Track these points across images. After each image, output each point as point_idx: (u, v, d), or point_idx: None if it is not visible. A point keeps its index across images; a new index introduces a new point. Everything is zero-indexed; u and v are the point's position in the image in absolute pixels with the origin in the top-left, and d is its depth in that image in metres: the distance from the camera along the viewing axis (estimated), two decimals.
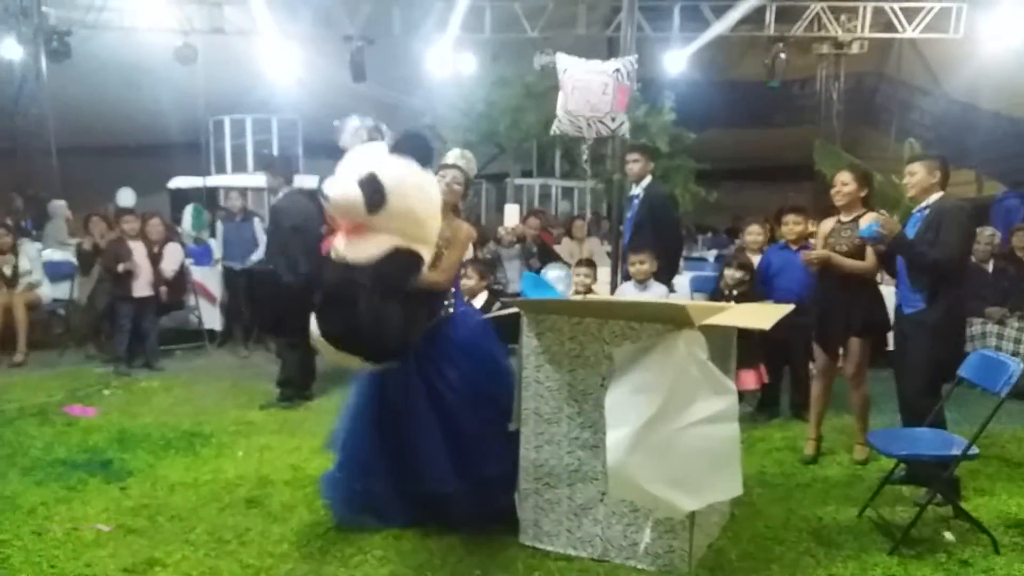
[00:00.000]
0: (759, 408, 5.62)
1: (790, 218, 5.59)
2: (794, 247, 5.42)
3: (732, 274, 5.49)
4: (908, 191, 4.25)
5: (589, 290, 5.53)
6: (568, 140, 9.32)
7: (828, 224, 4.68)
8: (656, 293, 5.43)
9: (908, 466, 4.11)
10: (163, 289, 7.28)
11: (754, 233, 6.08)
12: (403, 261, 3.32)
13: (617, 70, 5.20)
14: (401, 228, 3.31)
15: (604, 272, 6.31)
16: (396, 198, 3.23)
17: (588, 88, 5.07)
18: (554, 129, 5.24)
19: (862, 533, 3.71)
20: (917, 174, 4.14)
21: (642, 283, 5.47)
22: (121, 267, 6.88)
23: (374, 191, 3.18)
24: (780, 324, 4.93)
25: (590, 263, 5.67)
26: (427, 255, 3.47)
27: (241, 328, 8.15)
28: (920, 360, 4.08)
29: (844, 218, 4.55)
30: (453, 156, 4.09)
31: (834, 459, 4.76)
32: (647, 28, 11.13)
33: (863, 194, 4.51)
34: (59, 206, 10.07)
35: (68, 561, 3.37)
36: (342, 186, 3.21)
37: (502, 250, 7.86)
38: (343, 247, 3.32)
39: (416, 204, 3.34)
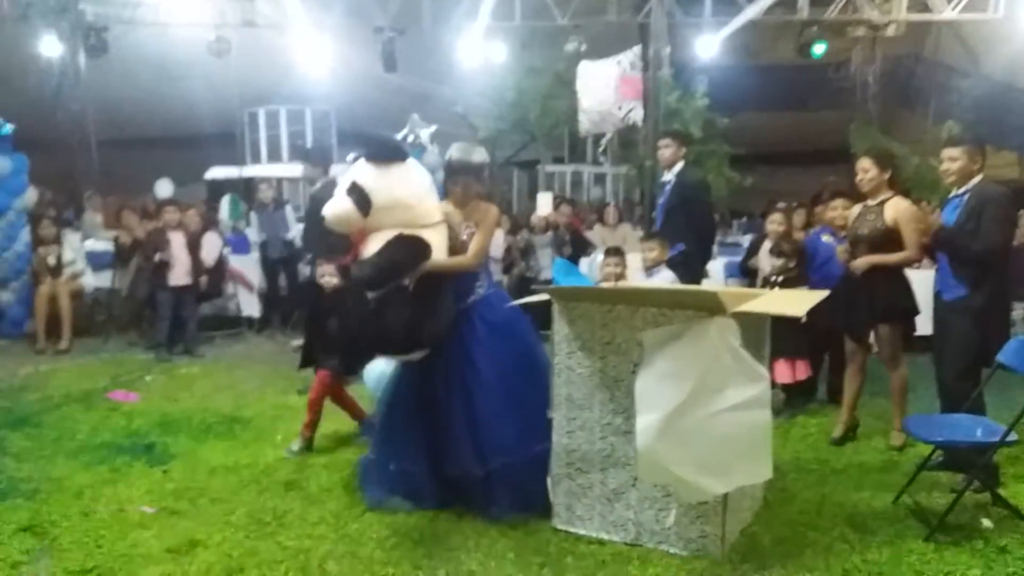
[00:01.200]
0: (795, 397, 5.46)
1: (838, 203, 5.43)
2: (842, 233, 5.22)
3: (773, 262, 5.41)
4: (947, 176, 4.15)
5: (621, 278, 5.49)
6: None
7: (856, 209, 4.68)
8: (663, 278, 5.38)
9: (945, 452, 4.06)
10: (202, 279, 7.41)
11: (775, 223, 5.85)
12: (408, 245, 3.48)
13: (619, 62, 5.28)
14: (398, 218, 3.52)
15: (637, 259, 6.29)
16: (380, 194, 3.46)
17: (595, 85, 5.18)
18: (581, 131, 5.32)
19: (897, 519, 3.69)
20: (959, 160, 4.05)
21: (650, 270, 5.42)
22: (157, 257, 7.03)
23: (359, 196, 3.43)
24: (821, 310, 5.00)
25: (618, 251, 5.62)
26: (433, 236, 3.58)
27: (279, 314, 8.29)
28: (961, 346, 4.03)
29: (871, 202, 4.53)
30: (451, 150, 4.13)
31: (869, 444, 4.73)
32: (678, 13, 11.04)
33: (886, 176, 4.47)
34: (92, 198, 10.26)
35: (115, 541, 3.48)
36: (332, 203, 3.49)
37: (535, 238, 7.89)
38: (364, 249, 3.55)
39: (400, 192, 3.53)
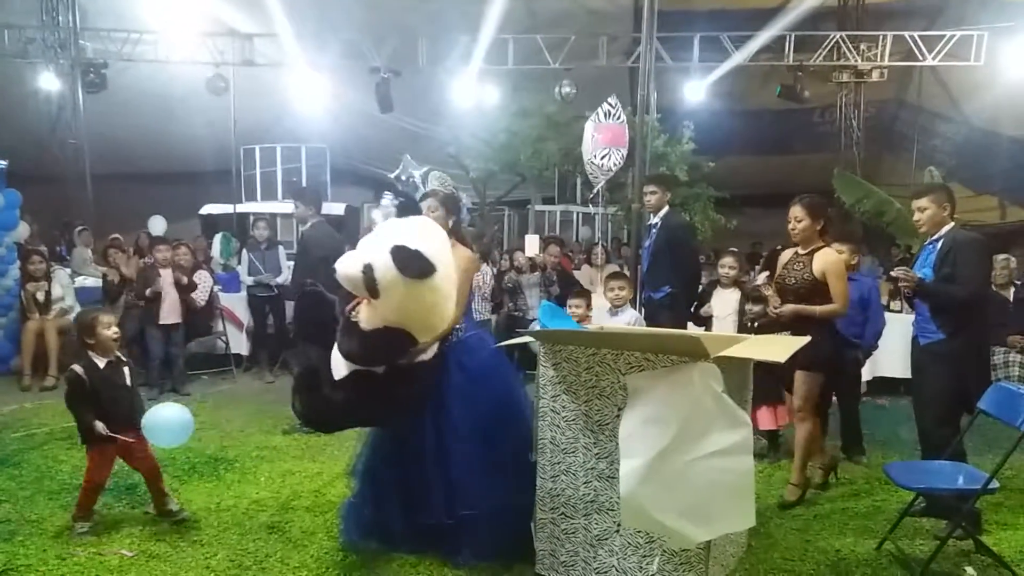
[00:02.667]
0: (778, 443, 5.38)
1: (845, 247, 5.18)
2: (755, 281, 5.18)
3: (750, 308, 5.46)
4: (920, 226, 4.24)
5: (585, 319, 5.48)
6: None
7: (787, 255, 4.63)
8: (627, 318, 5.45)
9: (927, 498, 4.08)
10: (195, 296, 7.44)
11: (726, 266, 5.82)
12: (386, 341, 3.39)
13: (596, 113, 5.49)
14: (395, 319, 3.39)
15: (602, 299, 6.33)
16: (388, 298, 3.32)
17: (584, 139, 5.36)
18: (595, 187, 5.49)
19: (881, 567, 3.69)
20: (928, 209, 4.15)
21: (616, 308, 5.50)
22: (149, 291, 7.05)
23: (370, 284, 3.30)
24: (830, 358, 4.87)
25: (582, 293, 5.68)
26: (425, 337, 3.49)
27: (267, 353, 8.27)
28: (938, 391, 4.07)
29: (801, 251, 4.48)
30: (431, 178, 4.20)
31: (852, 488, 4.74)
32: (667, 58, 11.26)
33: (818, 226, 4.41)
34: (83, 233, 10.29)
35: None
36: (349, 267, 3.35)
37: (522, 278, 7.95)
38: (362, 311, 3.47)
39: (408, 309, 3.38)
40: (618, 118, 6.27)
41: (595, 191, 6.04)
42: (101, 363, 4.09)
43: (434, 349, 3.58)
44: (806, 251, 4.44)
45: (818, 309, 4.31)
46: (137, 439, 4.08)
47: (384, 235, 3.43)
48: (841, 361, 4.64)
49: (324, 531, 4.03)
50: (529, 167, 11.44)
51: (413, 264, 3.26)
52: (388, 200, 4.54)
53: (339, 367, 3.46)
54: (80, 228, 10.33)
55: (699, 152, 10.37)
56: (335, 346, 3.50)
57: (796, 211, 4.43)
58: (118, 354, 4.19)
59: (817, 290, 4.33)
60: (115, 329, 4.15)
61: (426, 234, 3.42)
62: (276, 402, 6.83)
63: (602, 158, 5.34)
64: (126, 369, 4.19)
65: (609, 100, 5.73)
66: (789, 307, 4.34)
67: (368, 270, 3.27)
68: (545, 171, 11.83)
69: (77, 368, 4.06)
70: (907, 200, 8.42)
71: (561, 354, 3.51)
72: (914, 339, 4.27)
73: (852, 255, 5.21)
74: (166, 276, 7.25)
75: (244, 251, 8.88)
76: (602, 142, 5.22)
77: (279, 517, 4.23)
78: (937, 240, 4.15)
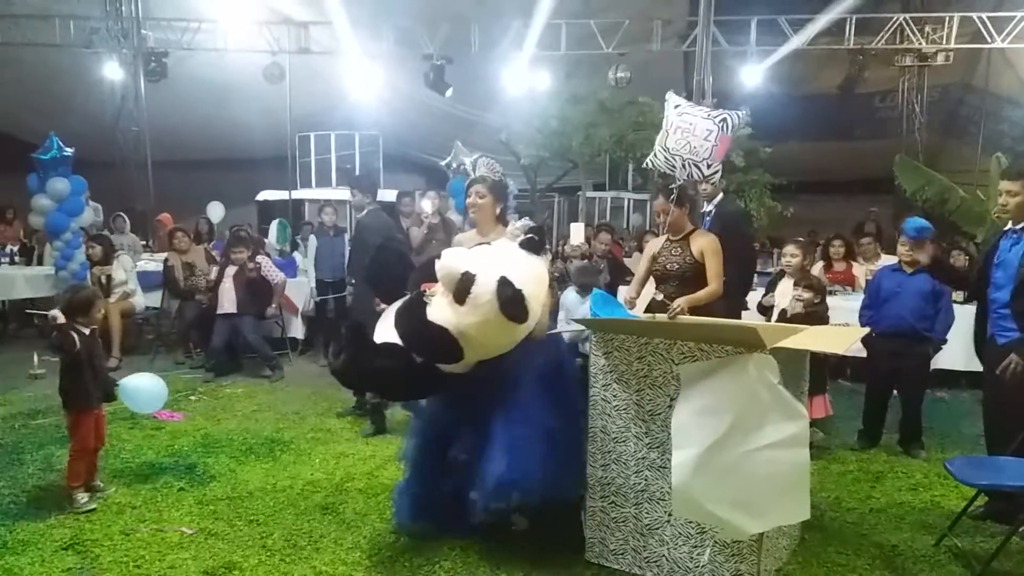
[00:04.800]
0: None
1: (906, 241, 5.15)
2: (909, 270, 5.12)
3: (800, 295, 5.30)
4: (1003, 212, 3.98)
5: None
6: (642, 156, 9.32)
7: (657, 243, 4.75)
8: None
9: (990, 498, 3.97)
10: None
11: (788, 255, 5.68)
12: (439, 342, 3.38)
13: (724, 120, 5.21)
14: (459, 328, 3.36)
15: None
16: (467, 311, 3.32)
17: (691, 131, 5.08)
18: (647, 163, 5.28)
19: (939, 563, 3.61)
20: (1019, 195, 3.84)
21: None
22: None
23: (461, 292, 3.31)
24: (893, 352, 4.98)
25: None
26: (472, 358, 3.48)
27: (323, 337, 8.42)
28: (1015, 391, 3.83)
29: (673, 237, 4.64)
30: (479, 164, 4.20)
31: (909, 483, 4.63)
32: (723, 42, 11.05)
33: (686, 212, 4.63)
34: (117, 219, 10.46)
35: (153, 562, 3.56)
36: (453, 265, 3.37)
37: (569, 266, 7.92)
38: (434, 298, 3.47)
39: (478, 333, 3.37)
40: (734, 131, 6.01)
41: (679, 182, 5.82)
42: (87, 331, 4.28)
43: (466, 369, 3.55)
44: (679, 237, 4.62)
45: (702, 294, 4.42)
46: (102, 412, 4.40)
47: (498, 257, 3.48)
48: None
49: (376, 513, 4.09)
50: (580, 153, 11.38)
51: (513, 307, 3.29)
52: (522, 224, 4.54)
53: (385, 331, 3.48)
54: (115, 215, 10.55)
55: (755, 138, 10.18)
56: (390, 310, 3.54)
57: (664, 204, 4.59)
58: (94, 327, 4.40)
59: (700, 271, 4.51)
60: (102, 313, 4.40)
61: (532, 278, 3.44)
62: (331, 385, 6.89)
63: (712, 171, 5.13)
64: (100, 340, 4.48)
65: (741, 113, 5.45)
66: (680, 304, 4.29)
67: (467, 278, 3.31)
68: (597, 157, 11.76)
69: (75, 335, 4.21)
70: (972, 188, 8.17)
71: (613, 343, 3.50)
72: (990, 337, 4.06)
73: (921, 251, 5.10)
74: (229, 271, 7.43)
75: (312, 236, 9.03)
76: (718, 155, 5.01)
77: (333, 498, 4.31)
78: (1022, 231, 3.87)
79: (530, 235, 3.62)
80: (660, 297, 4.58)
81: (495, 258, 3.47)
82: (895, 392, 5.37)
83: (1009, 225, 3.99)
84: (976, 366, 4.43)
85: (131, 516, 4.06)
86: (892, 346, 5.09)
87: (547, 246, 3.71)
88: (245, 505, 4.22)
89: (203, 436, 5.42)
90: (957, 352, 5.21)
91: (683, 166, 5.24)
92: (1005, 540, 3.48)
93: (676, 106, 5.19)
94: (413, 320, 3.43)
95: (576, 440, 3.62)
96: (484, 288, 3.29)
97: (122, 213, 10.60)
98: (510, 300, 3.27)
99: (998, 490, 3.71)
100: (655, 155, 4.98)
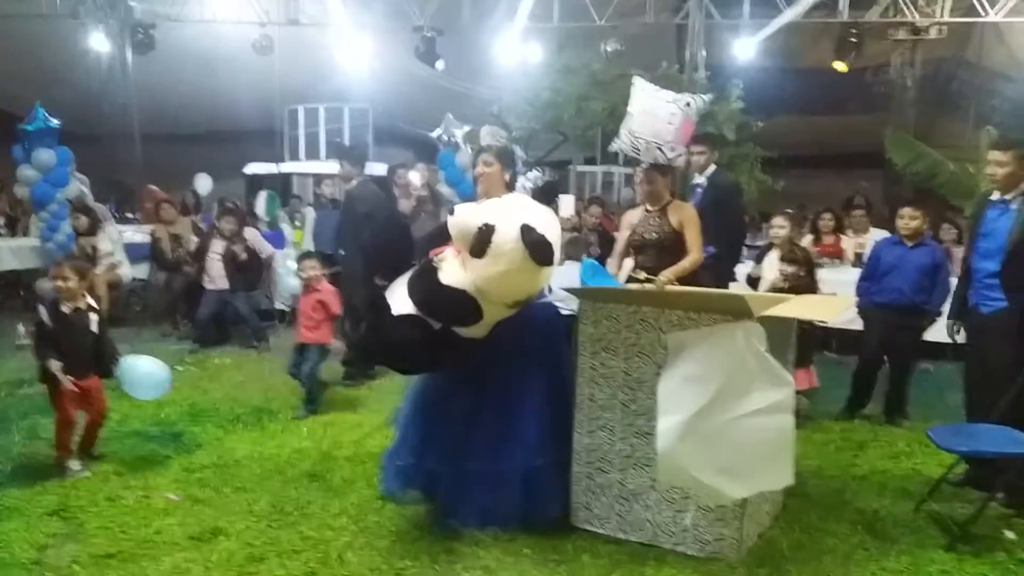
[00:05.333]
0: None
1: (906, 211, 5.28)
2: (909, 243, 5.20)
3: (784, 268, 5.28)
4: (992, 181, 3.98)
5: None
6: None
7: (635, 214, 4.82)
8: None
9: (970, 466, 4.01)
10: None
11: (775, 226, 5.72)
12: (457, 304, 3.36)
13: (688, 104, 5.23)
14: (477, 282, 3.34)
15: None
16: (488, 261, 3.28)
17: (655, 114, 5.11)
18: (613, 146, 5.30)
19: (918, 528, 3.66)
20: (1008, 166, 3.86)
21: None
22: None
23: (480, 243, 3.28)
24: (888, 323, 5.05)
25: None
26: (493, 313, 3.45)
27: None
28: (998, 361, 3.89)
29: (652, 208, 4.71)
30: (483, 132, 4.16)
31: (891, 452, 4.68)
32: (716, 15, 10.97)
33: (667, 181, 4.76)
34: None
35: (139, 527, 3.58)
36: (468, 219, 3.35)
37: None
38: (444, 263, 3.44)
39: (499, 282, 3.33)
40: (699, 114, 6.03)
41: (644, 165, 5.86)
42: (67, 308, 4.22)
43: (485, 331, 3.52)
44: (657, 207, 4.69)
45: (685, 264, 4.51)
46: (94, 384, 4.28)
47: (513, 207, 3.46)
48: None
49: (364, 480, 4.11)
50: (572, 126, 11.28)
51: (542, 249, 3.26)
52: (535, 176, 4.57)
53: (398, 303, 3.45)
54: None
55: (748, 111, 10.12)
56: (400, 281, 3.52)
57: (650, 174, 4.71)
58: (90, 302, 4.33)
59: (679, 241, 4.59)
60: (72, 283, 4.23)
61: (552, 226, 3.42)
62: None
63: (677, 156, 5.15)
64: (93, 316, 4.31)
65: (706, 98, 5.47)
66: (665, 275, 4.34)
67: (487, 229, 3.27)
68: (588, 130, 11.64)
69: (41, 310, 4.21)
70: (961, 162, 8.16)
71: (602, 311, 3.51)
72: (974, 306, 4.09)
73: (924, 220, 5.32)
74: (216, 245, 7.39)
75: (310, 209, 8.97)
76: (681, 138, 5.03)
77: (320, 466, 4.33)
78: (1010, 202, 3.88)
79: (544, 183, 3.60)
80: (642, 276, 4.55)
81: (511, 208, 3.45)
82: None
83: (996, 195, 3.99)
84: (962, 338, 4.44)
85: (117, 483, 4.08)
86: (889, 318, 5.17)
87: (557, 198, 3.65)
88: (232, 472, 4.23)
89: (190, 406, 5.42)
90: (943, 324, 5.22)
91: (646, 148, 5.29)
92: (983, 506, 3.54)
93: (642, 90, 5.23)
94: (429, 285, 3.41)
95: (567, 403, 3.62)
96: (506, 236, 3.26)
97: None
98: (538, 243, 3.24)
99: (977, 456, 3.76)
100: (619, 139, 5.01)
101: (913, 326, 5.16)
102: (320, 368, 5.45)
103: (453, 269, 3.39)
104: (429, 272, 3.44)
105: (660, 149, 5.30)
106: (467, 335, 3.48)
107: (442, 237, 3.64)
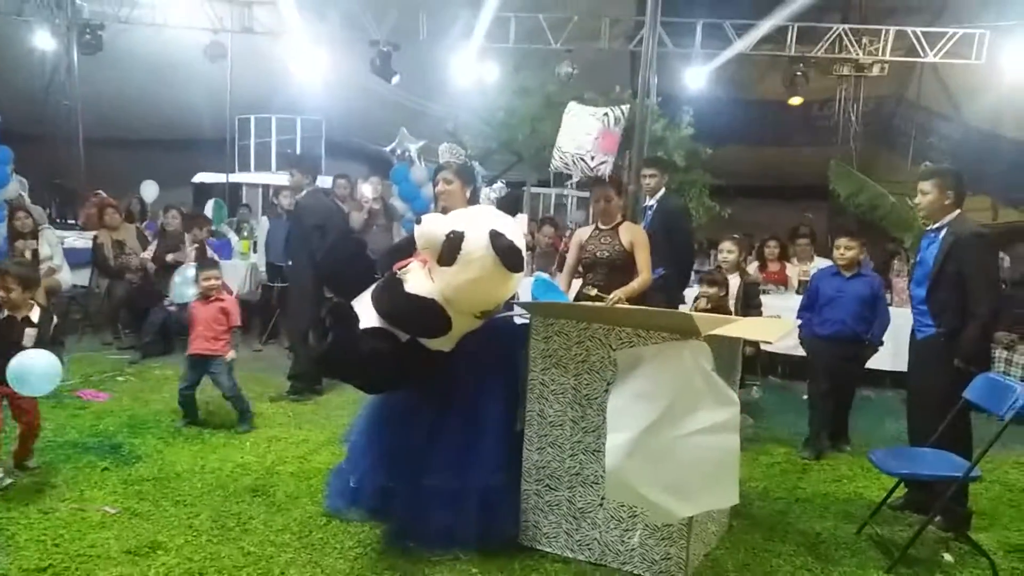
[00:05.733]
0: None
1: (842, 242, 5.24)
2: (847, 273, 5.17)
3: (705, 291, 5.45)
4: (918, 210, 4.16)
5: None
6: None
7: (585, 232, 4.88)
8: None
9: (909, 490, 4.11)
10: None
11: (724, 251, 5.89)
12: (425, 313, 3.32)
13: (606, 114, 5.42)
14: (446, 290, 3.32)
15: None
16: (458, 270, 3.26)
17: (577, 128, 5.28)
18: (551, 166, 5.45)
19: (860, 550, 3.72)
20: (929, 194, 4.02)
21: None
22: (171, 257, 7.27)
23: (450, 251, 3.24)
24: (833, 355, 5.11)
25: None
26: (461, 324, 3.43)
27: (259, 321, 8.25)
28: (933, 385, 4.00)
29: (604, 226, 4.78)
30: (441, 149, 4.18)
31: (834, 475, 4.78)
32: (669, 43, 11.20)
33: (621, 203, 4.88)
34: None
35: (73, 541, 3.44)
36: (434, 227, 3.30)
37: None
38: (409, 275, 3.40)
39: (469, 290, 3.31)
40: (621, 127, 6.22)
41: (575, 180, 6.01)
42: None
43: (452, 344, 3.49)
44: (609, 226, 4.75)
45: (636, 284, 4.56)
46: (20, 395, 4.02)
47: (480, 215, 3.42)
48: None
49: (308, 496, 4.03)
50: (526, 147, 11.37)
51: (512, 255, 3.24)
52: (499, 187, 4.56)
53: (364, 318, 3.36)
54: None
55: (697, 139, 10.34)
56: (364, 296, 3.45)
57: (603, 192, 4.75)
58: (33, 316, 4.11)
59: (630, 260, 4.65)
60: (16, 294, 4.05)
61: (518, 235, 3.40)
62: (264, 369, 6.83)
63: (600, 164, 5.28)
64: (30, 331, 4.08)
65: (623, 108, 5.65)
66: (618, 295, 4.42)
67: (456, 238, 3.23)
68: (542, 152, 11.74)
69: None
70: (902, 196, 8.43)
71: (552, 328, 3.52)
72: (912, 333, 4.20)
73: (860, 250, 5.26)
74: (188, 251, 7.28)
75: (264, 218, 8.83)
76: (601, 148, 5.16)
77: (263, 481, 4.23)
78: (939, 230, 4.01)
79: (506, 192, 3.61)
80: (593, 292, 4.61)
81: (478, 216, 3.42)
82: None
83: (929, 226, 4.14)
84: (901, 366, 4.57)
85: (51, 495, 3.92)
86: (833, 349, 5.14)
87: (520, 210, 3.64)
88: (172, 486, 4.11)
89: (130, 417, 5.26)
90: (884, 353, 5.38)
91: (574, 162, 5.44)
92: (921, 528, 3.62)
93: (569, 112, 5.39)
94: (395, 296, 3.35)
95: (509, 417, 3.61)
96: (476, 243, 3.23)
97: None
98: (508, 249, 3.22)
99: (915, 479, 3.85)
100: (554, 158, 5.12)
101: (856, 356, 5.20)
102: (235, 377, 5.30)
103: (419, 280, 3.36)
104: (394, 284, 3.39)
105: (583, 160, 5.48)
106: (435, 347, 3.44)
107: (404, 251, 3.61)
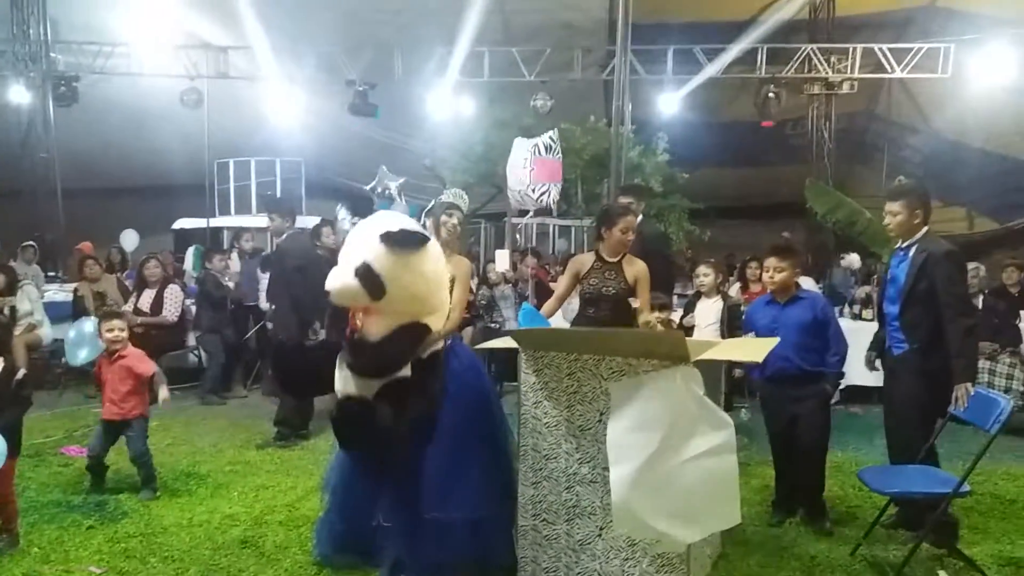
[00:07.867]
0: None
1: (771, 262, 4.31)
2: (781, 300, 4.31)
3: (659, 315, 5.35)
4: (889, 231, 4.18)
5: None
6: (566, 182, 9.48)
7: (586, 262, 4.69)
8: None
9: (900, 508, 4.11)
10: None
11: (701, 275, 5.82)
12: (408, 336, 3.31)
13: (536, 145, 5.54)
14: (406, 309, 3.30)
15: None
16: (395, 286, 3.21)
17: (515, 163, 5.39)
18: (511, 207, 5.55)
19: (856, 572, 3.70)
20: (899, 215, 4.04)
21: None
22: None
23: (372, 282, 3.16)
24: (786, 398, 4.51)
25: None
26: (437, 322, 3.44)
27: (242, 367, 8.19)
28: (910, 400, 4.01)
29: (609, 258, 4.62)
30: (453, 195, 4.20)
31: (828, 495, 4.74)
32: (641, 71, 11.37)
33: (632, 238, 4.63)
34: (26, 250, 10.08)
35: None
36: (340, 279, 3.20)
37: (495, 290, 7.96)
38: (365, 325, 3.35)
39: (416, 288, 3.29)
40: (556, 153, 6.33)
41: (530, 213, 6.12)
42: None
43: (441, 342, 3.54)
44: (615, 259, 4.60)
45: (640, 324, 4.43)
46: None
47: (360, 236, 3.31)
48: None
49: (298, 545, 3.97)
50: (505, 178, 11.49)
51: (408, 239, 3.18)
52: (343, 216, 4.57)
53: (348, 387, 3.34)
54: (25, 244, 10.09)
55: (673, 163, 10.48)
56: (339, 370, 3.38)
57: (631, 221, 4.61)
58: None
59: (632, 295, 4.54)
60: None
61: (399, 218, 3.35)
62: (250, 416, 6.76)
63: (541, 194, 5.36)
64: None
65: (551, 135, 5.77)
66: (651, 317, 4.44)
67: (364, 269, 3.15)
68: None
69: None
70: (878, 211, 8.55)
71: (543, 360, 3.50)
72: (888, 349, 4.20)
73: (793, 272, 4.36)
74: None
75: (236, 259, 8.82)
76: (537, 177, 5.24)
77: (252, 532, 4.17)
78: (909, 247, 4.05)
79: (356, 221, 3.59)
80: (592, 312, 4.58)
81: (359, 239, 3.28)
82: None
83: (899, 244, 4.18)
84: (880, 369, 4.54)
85: (35, 557, 3.84)
86: (783, 392, 4.27)
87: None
88: (159, 541, 4.04)
89: (114, 472, 5.15)
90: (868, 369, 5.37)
91: (520, 198, 5.50)
92: (914, 547, 3.61)
93: (512, 150, 5.51)
94: (370, 354, 3.28)
95: (500, 452, 3.63)
96: (381, 256, 3.15)
97: (32, 243, 10.16)
98: (402, 238, 3.16)
99: (907, 498, 3.85)
100: (509, 198, 5.18)
101: (814, 394, 4.20)
102: (146, 440, 4.86)
103: (375, 323, 3.31)
104: (361, 345, 3.33)
105: (526, 193, 5.54)
106: (431, 350, 3.46)
107: (341, 313, 3.58)
